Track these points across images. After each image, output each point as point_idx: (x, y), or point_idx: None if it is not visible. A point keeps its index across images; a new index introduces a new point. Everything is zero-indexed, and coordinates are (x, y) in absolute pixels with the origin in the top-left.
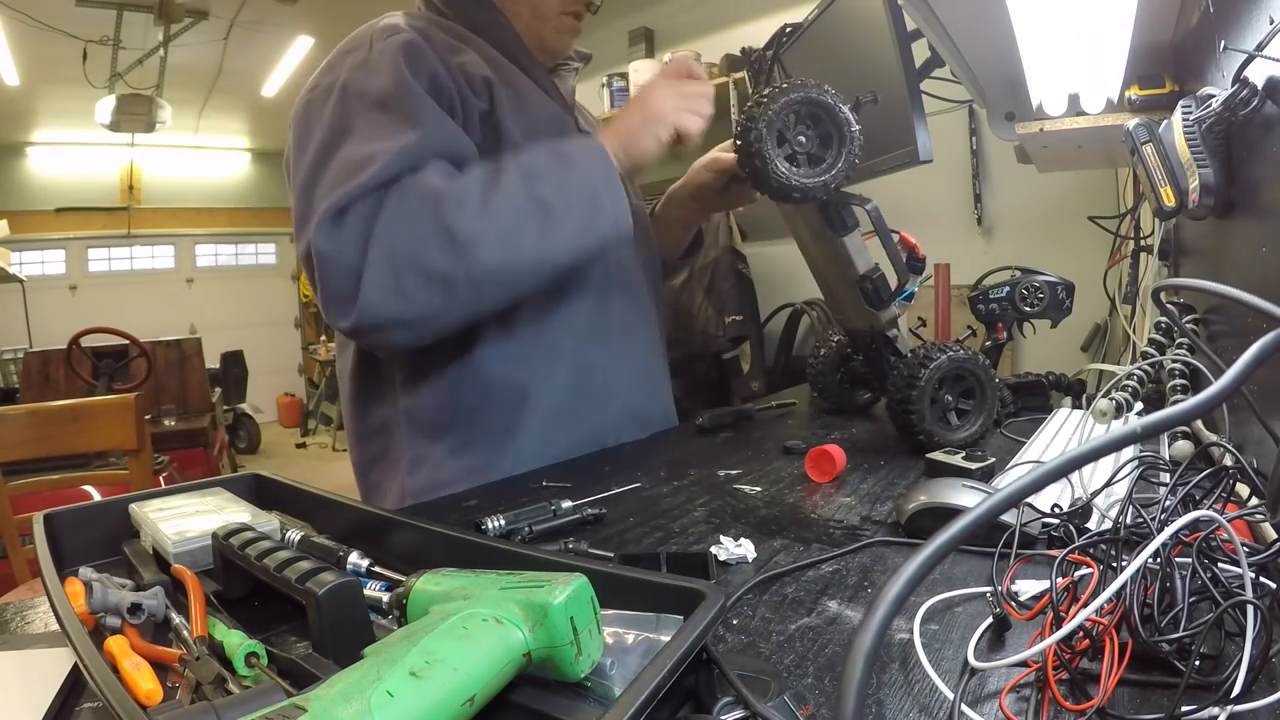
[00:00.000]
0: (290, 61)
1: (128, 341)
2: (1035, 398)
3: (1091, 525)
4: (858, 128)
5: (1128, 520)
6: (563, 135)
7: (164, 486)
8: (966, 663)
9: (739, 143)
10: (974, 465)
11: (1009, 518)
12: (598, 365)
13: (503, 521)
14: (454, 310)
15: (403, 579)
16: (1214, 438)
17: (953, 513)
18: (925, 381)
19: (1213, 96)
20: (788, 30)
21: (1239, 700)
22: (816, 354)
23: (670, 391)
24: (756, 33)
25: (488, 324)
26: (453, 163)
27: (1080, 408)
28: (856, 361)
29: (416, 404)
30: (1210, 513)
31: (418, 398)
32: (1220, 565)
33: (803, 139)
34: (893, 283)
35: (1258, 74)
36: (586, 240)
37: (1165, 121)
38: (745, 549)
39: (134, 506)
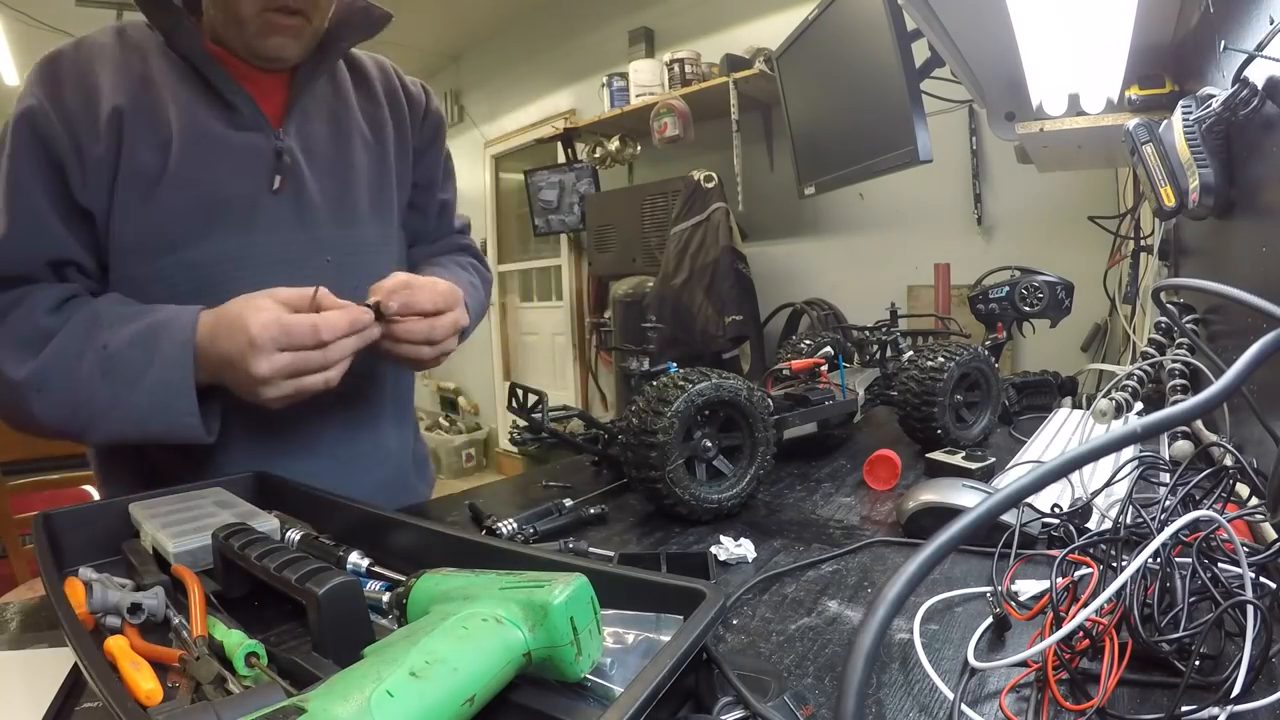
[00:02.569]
0: None
1: None
2: (1041, 396)
3: (1091, 525)
4: (771, 433)
5: (1128, 520)
6: (240, 174)
7: (164, 487)
8: (966, 663)
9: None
10: (974, 465)
11: (1009, 518)
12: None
13: (515, 525)
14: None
15: (403, 579)
16: (1214, 438)
17: (953, 513)
18: (942, 394)
19: (1213, 96)
20: None
21: (1239, 700)
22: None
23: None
24: (756, 33)
25: None
26: (51, 265)
27: (1080, 407)
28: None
29: None
30: (1210, 513)
31: None
32: (1220, 565)
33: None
34: None
35: (1258, 74)
36: (146, 436)
37: (1165, 121)
38: (745, 549)
39: (134, 506)
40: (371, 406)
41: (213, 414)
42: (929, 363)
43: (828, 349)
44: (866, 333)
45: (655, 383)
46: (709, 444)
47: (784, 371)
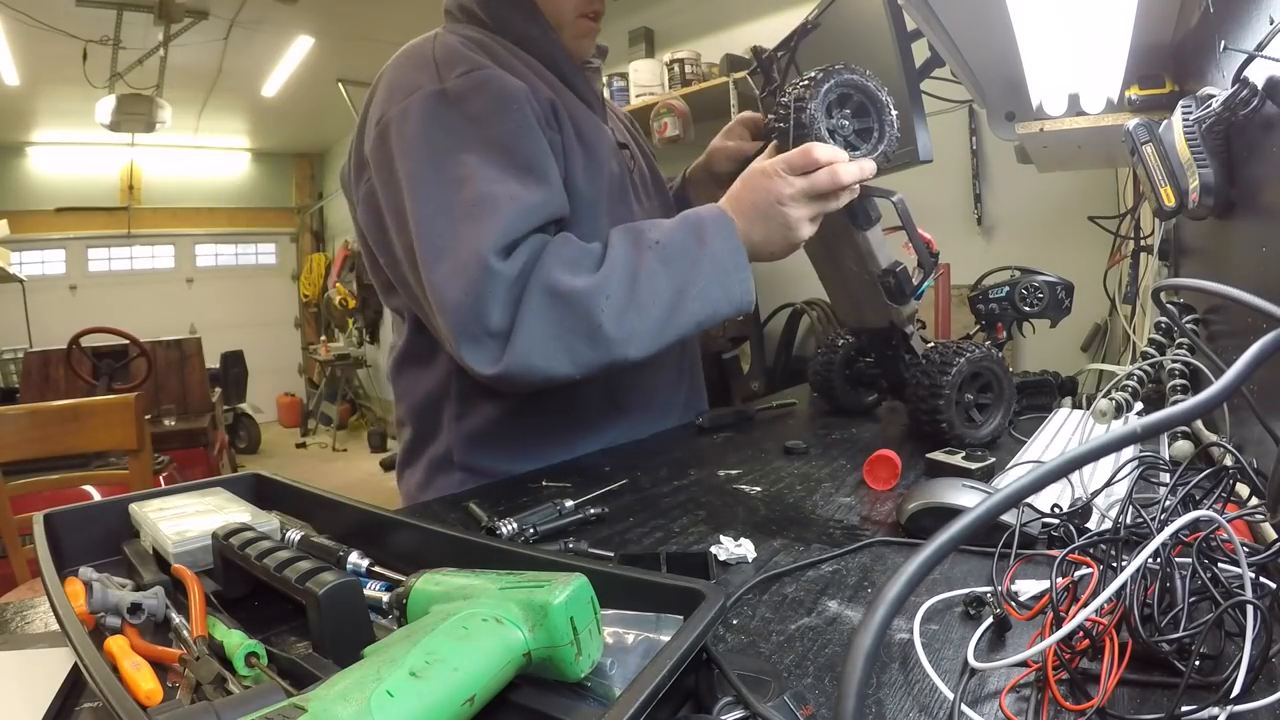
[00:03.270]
0: (290, 61)
1: (128, 341)
2: (1042, 396)
3: (1091, 525)
4: (895, 114)
5: (1128, 520)
6: (612, 157)
7: (164, 486)
8: (966, 663)
9: (779, 125)
10: (974, 465)
11: (1009, 518)
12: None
13: (515, 525)
14: (595, 374)
15: (403, 579)
16: (1214, 438)
17: (953, 513)
18: (949, 388)
19: (1213, 96)
20: (808, 26)
21: (1239, 700)
22: (819, 357)
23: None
24: (756, 33)
25: None
26: (559, 224)
27: (1080, 407)
28: (864, 363)
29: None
30: (1210, 513)
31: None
32: (1220, 565)
33: (844, 123)
34: (915, 278)
35: (1258, 74)
36: (714, 316)
37: (1165, 121)
38: (745, 549)
39: (134, 506)
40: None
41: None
42: (939, 357)
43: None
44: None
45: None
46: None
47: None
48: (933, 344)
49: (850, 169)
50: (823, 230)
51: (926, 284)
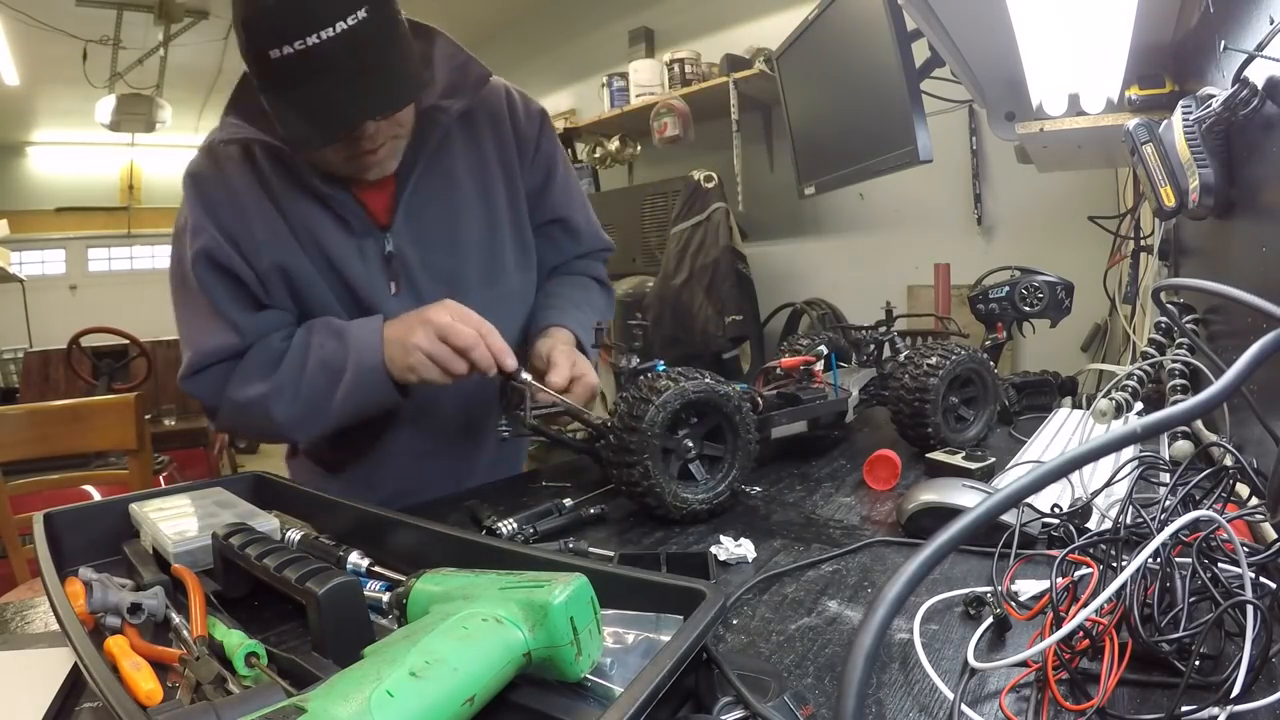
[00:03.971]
0: None
1: (128, 341)
2: (1042, 396)
3: (1091, 525)
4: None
5: (1128, 520)
6: (319, 239)
7: (164, 486)
8: (966, 663)
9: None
10: (974, 465)
11: (1009, 518)
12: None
13: (515, 525)
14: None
15: (403, 579)
16: (1214, 438)
17: (953, 513)
18: (934, 394)
19: (1213, 96)
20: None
21: (1239, 700)
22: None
23: None
24: (756, 33)
25: None
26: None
27: (1080, 407)
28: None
29: None
30: (1210, 513)
31: None
32: (1220, 565)
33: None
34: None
35: (1258, 74)
36: (361, 407)
37: (1165, 121)
38: (745, 549)
39: (134, 506)
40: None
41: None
42: (925, 362)
43: (821, 348)
44: (864, 332)
45: (639, 380)
46: (690, 444)
47: (776, 370)
48: (915, 346)
49: (485, 345)
50: None
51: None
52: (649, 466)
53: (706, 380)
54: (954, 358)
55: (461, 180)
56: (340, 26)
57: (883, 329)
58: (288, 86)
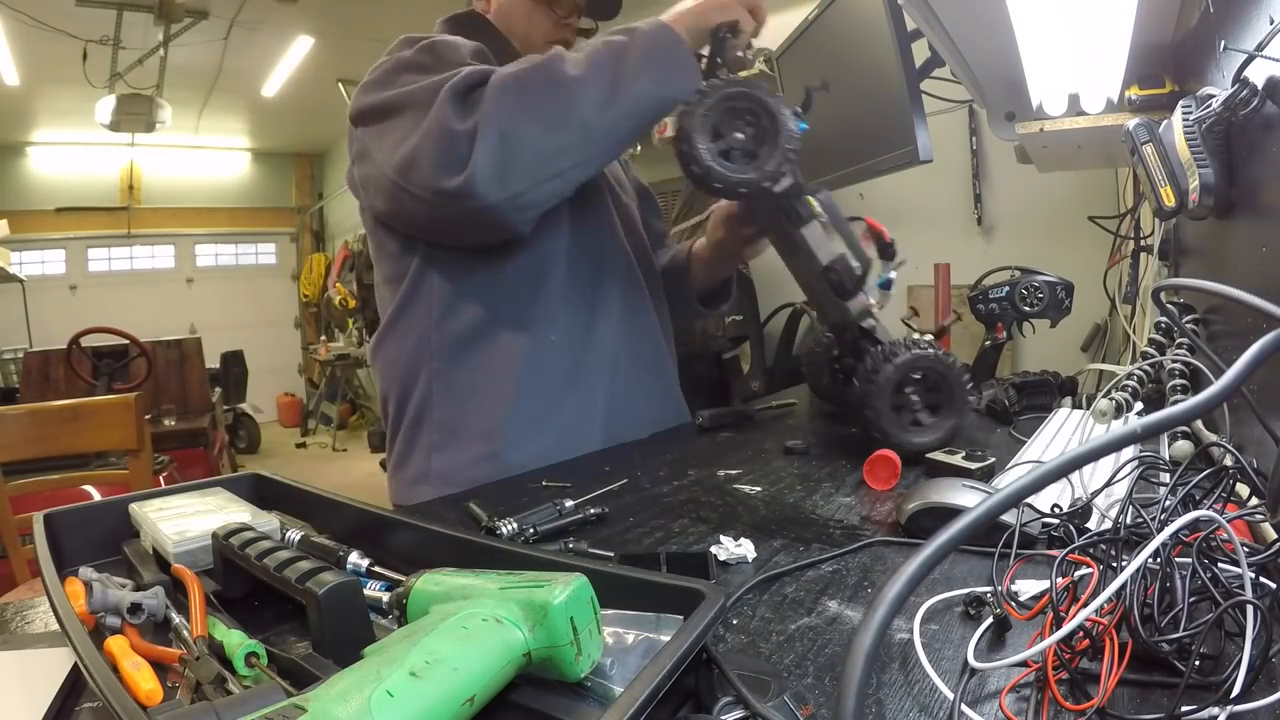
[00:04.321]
0: (290, 61)
1: (128, 341)
2: (1042, 396)
3: (1091, 525)
4: (792, 126)
5: (1128, 520)
6: None
7: (164, 486)
8: (966, 663)
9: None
10: (974, 465)
11: (1009, 518)
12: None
13: (515, 525)
14: (565, 165)
15: (403, 579)
16: (1214, 438)
17: (953, 513)
18: (884, 379)
19: (1213, 96)
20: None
21: (1239, 700)
22: (810, 355)
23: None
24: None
25: (537, 317)
26: None
27: (1080, 407)
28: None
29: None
30: (1210, 513)
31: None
32: (1220, 565)
33: (740, 135)
34: (869, 270)
35: (1258, 74)
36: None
37: (1165, 121)
38: (745, 549)
39: (134, 506)
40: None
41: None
42: (871, 360)
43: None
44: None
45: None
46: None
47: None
48: (893, 341)
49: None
50: (778, 231)
51: (885, 276)
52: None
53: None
54: (904, 356)
55: None
56: None
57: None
58: None
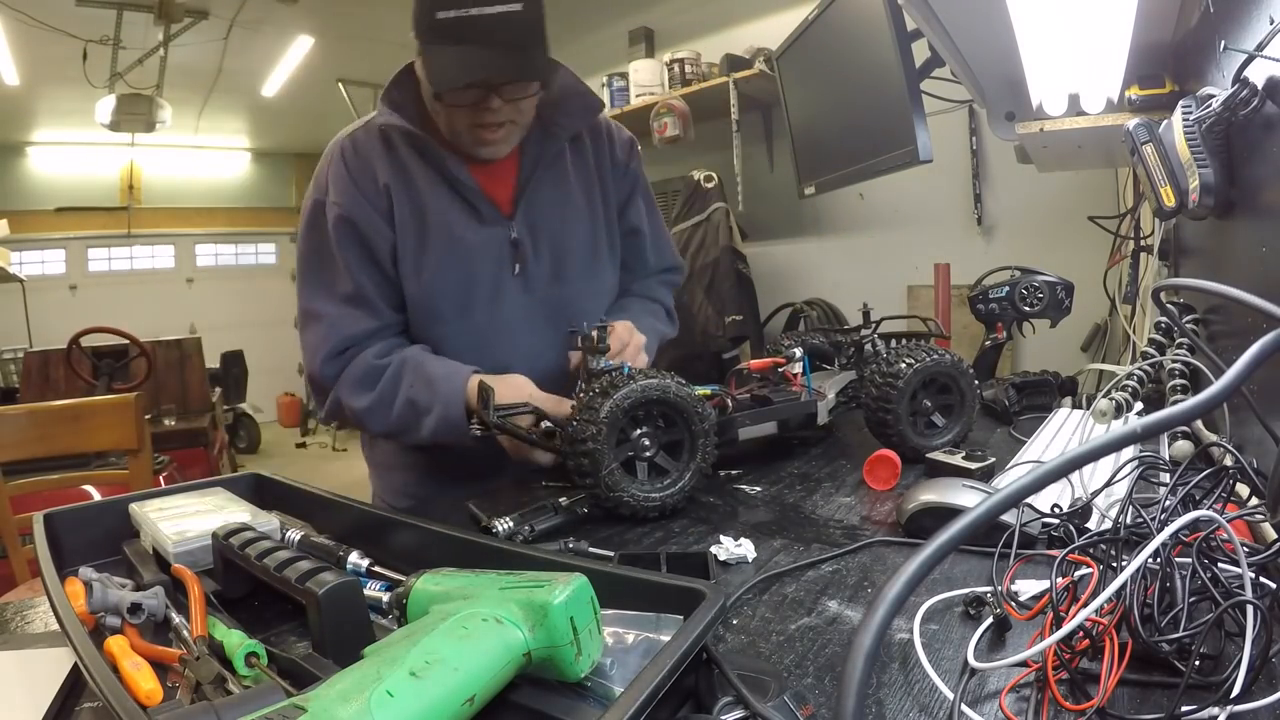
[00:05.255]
0: (290, 61)
1: (128, 341)
2: (1042, 396)
3: (1091, 525)
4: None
5: (1128, 520)
6: (451, 225)
7: (164, 486)
8: (966, 663)
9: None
10: (974, 465)
11: (1009, 518)
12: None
13: (511, 523)
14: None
15: (403, 579)
16: (1214, 438)
17: (953, 513)
18: (898, 400)
19: (1213, 96)
20: None
21: (1239, 700)
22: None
23: None
24: (756, 33)
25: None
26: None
27: (1080, 407)
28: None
29: None
30: (1210, 513)
31: None
32: (1220, 565)
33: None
34: None
35: (1258, 74)
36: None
37: (1165, 121)
38: (745, 549)
39: (134, 506)
40: None
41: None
42: (893, 366)
43: (795, 350)
44: (845, 335)
45: (593, 386)
46: (647, 443)
47: (744, 371)
48: (890, 348)
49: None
50: None
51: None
52: (598, 458)
53: (667, 380)
54: (923, 363)
55: (572, 186)
56: (500, 8)
57: (863, 331)
58: (447, 41)
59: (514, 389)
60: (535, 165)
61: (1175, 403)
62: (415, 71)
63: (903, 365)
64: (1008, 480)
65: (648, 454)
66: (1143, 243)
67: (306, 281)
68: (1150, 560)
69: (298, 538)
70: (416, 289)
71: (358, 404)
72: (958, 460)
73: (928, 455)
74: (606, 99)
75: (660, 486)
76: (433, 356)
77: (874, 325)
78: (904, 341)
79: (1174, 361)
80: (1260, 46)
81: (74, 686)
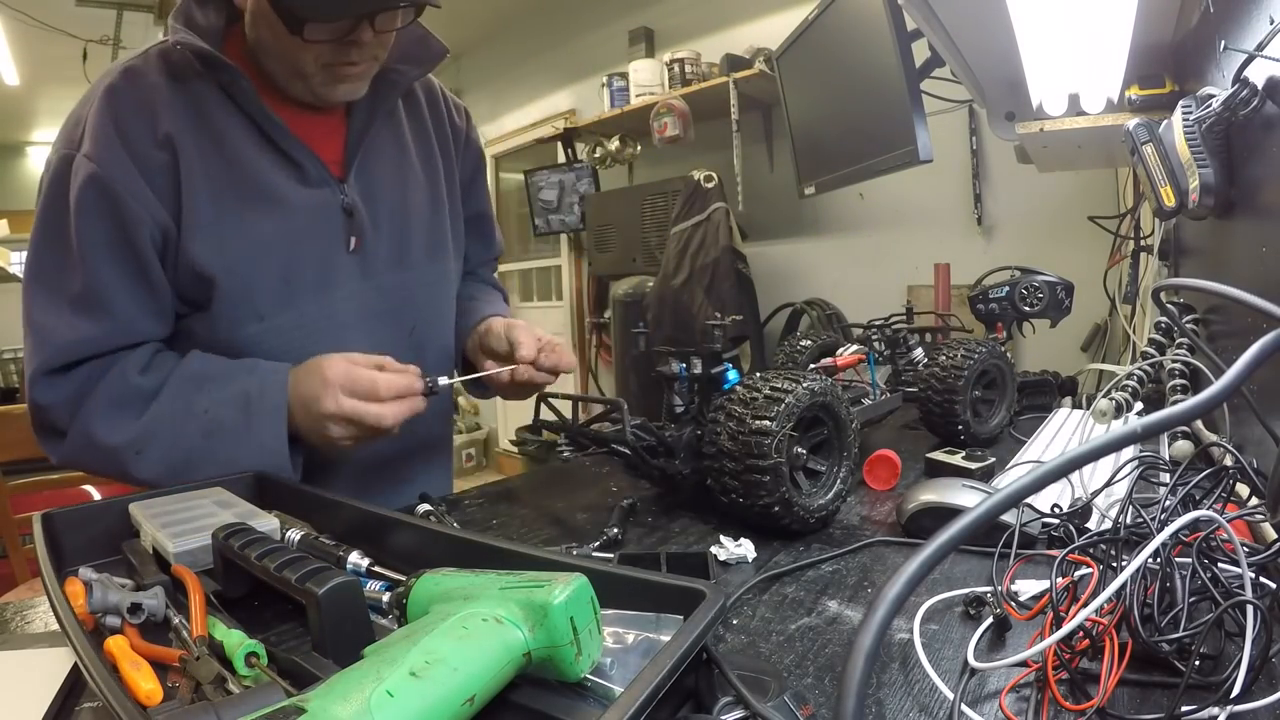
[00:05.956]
0: None
1: None
2: (1042, 396)
3: (1091, 525)
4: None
5: (1128, 520)
6: (267, 186)
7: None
8: (966, 663)
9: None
10: (974, 465)
11: (1009, 518)
12: None
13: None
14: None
15: (403, 579)
16: (1214, 438)
17: (953, 513)
18: (963, 391)
19: (1213, 96)
20: None
21: (1239, 700)
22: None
23: None
24: (756, 33)
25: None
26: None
27: (1080, 407)
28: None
29: None
30: (1210, 513)
31: None
32: (1220, 565)
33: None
34: None
35: (1258, 74)
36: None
37: (1165, 121)
38: (745, 549)
39: (134, 506)
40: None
41: (298, 453)
42: (949, 360)
43: (859, 345)
44: (874, 330)
45: (741, 391)
46: (800, 450)
47: (832, 368)
48: (933, 343)
49: (398, 412)
50: None
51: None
52: (780, 473)
53: (825, 382)
54: (978, 355)
55: (409, 148)
56: None
57: (893, 326)
58: None
59: (346, 376)
60: (370, 119)
61: (1175, 403)
62: None
63: (961, 359)
64: (1008, 480)
65: (801, 462)
66: (1143, 243)
67: (30, 272)
68: (1150, 560)
69: (298, 538)
70: (217, 272)
71: (115, 438)
72: (958, 460)
73: (928, 455)
74: (606, 99)
75: (814, 490)
76: (222, 359)
77: (908, 319)
78: (937, 337)
79: (1174, 361)
80: (1260, 46)
81: (74, 686)
